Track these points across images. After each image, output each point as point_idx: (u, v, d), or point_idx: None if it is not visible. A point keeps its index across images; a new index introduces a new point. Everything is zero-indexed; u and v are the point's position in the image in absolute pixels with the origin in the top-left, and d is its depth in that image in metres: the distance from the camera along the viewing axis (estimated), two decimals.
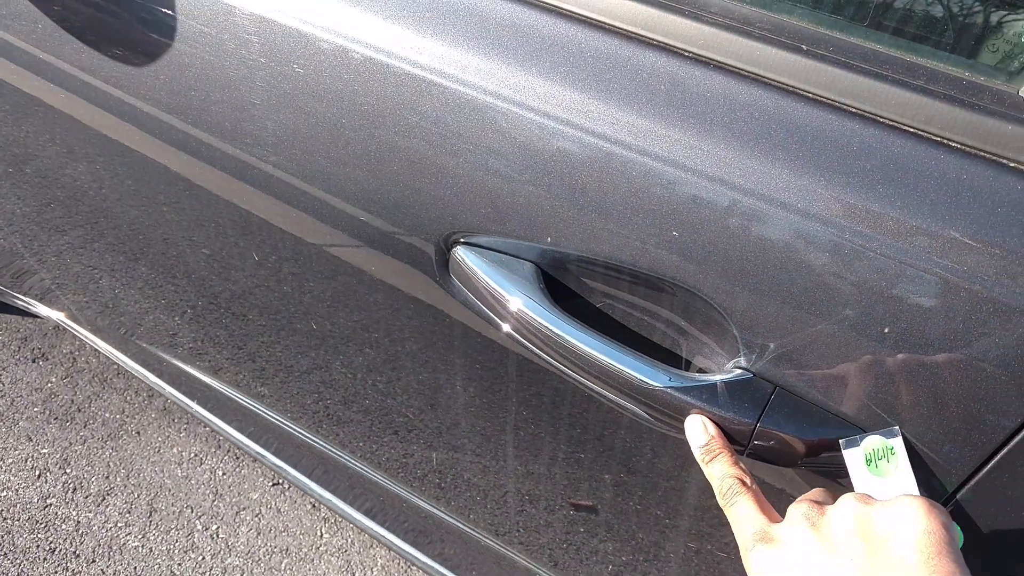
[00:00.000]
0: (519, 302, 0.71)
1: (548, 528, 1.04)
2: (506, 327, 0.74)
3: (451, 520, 1.18)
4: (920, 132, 0.58)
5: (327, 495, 1.40)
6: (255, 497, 1.73)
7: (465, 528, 1.16)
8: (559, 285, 0.73)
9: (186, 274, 1.17)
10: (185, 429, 1.84)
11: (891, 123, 0.59)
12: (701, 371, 0.69)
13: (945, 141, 0.58)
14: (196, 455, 1.79)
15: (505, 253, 0.73)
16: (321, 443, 1.27)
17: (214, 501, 1.71)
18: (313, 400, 1.20)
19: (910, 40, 0.61)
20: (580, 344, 0.69)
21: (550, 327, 0.70)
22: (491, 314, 0.75)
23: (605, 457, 0.85)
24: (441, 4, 0.72)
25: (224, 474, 1.76)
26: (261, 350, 1.19)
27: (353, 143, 0.76)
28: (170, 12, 0.87)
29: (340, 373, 1.08)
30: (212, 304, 1.19)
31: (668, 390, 0.65)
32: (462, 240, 0.75)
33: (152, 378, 1.55)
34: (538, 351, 0.73)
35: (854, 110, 0.60)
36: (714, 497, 0.67)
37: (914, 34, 0.61)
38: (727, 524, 0.64)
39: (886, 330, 0.58)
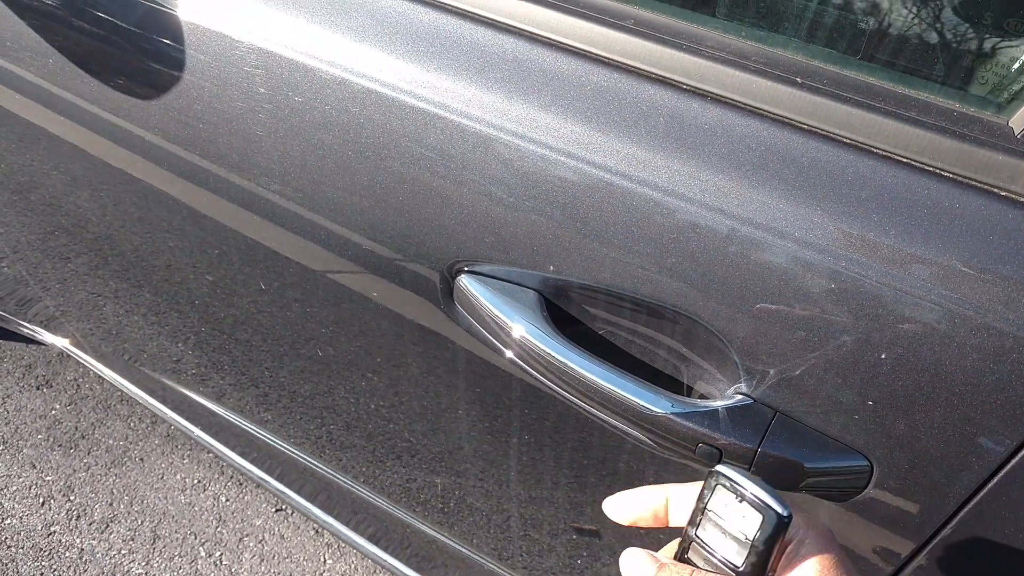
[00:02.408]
0: (522, 329, 0.72)
1: (551, 552, 1.05)
2: (510, 354, 0.76)
3: (454, 545, 1.18)
4: (913, 162, 0.60)
5: (330, 520, 1.40)
6: (259, 523, 1.73)
7: (469, 553, 1.17)
8: (562, 312, 0.74)
9: (190, 301, 1.18)
10: (188, 456, 1.84)
11: (885, 153, 0.60)
12: (703, 397, 0.70)
13: (938, 170, 0.59)
14: (199, 481, 1.79)
15: (508, 281, 0.74)
16: (324, 468, 1.28)
17: (218, 527, 1.71)
18: (316, 425, 1.21)
19: (902, 73, 0.63)
20: (583, 371, 0.70)
21: (553, 354, 0.71)
22: (495, 341, 0.76)
23: (608, 481, 0.86)
24: (446, 40, 0.74)
25: (227, 500, 1.76)
26: (264, 376, 1.20)
27: (360, 174, 0.78)
28: (175, 44, 0.88)
29: (343, 398, 1.09)
30: (216, 330, 1.20)
31: (671, 416, 0.66)
32: (466, 268, 0.76)
33: (156, 404, 1.55)
34: (542, 377, 0.74)
35: (848, 141, 0.61)
36: None
37: (906, 67, 0.63)
38: None
39: (883, 356, 0.59)
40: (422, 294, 0.82)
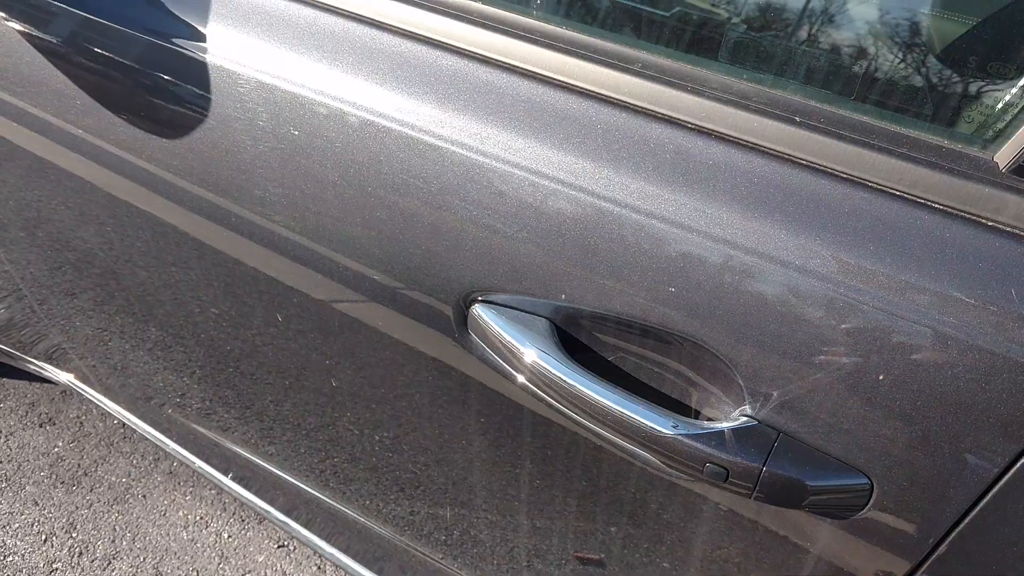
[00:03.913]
0: (535, 355, 0.75)
1: None
2: (523, 380, 0.78)
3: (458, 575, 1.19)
4: (905, 195, 0.64)
5: (335, 552, 1.40)
6: (260, 560, 1.73)
7: None
8: (573, 339, 0.78)
9: (195, 334, 1.20)
10: (191, 492, 1.85)
11: (878, 187, 0.64)
12: (709, 419, 0.73)
13: (928, 203, 0.63)
14: (202, 518, 1.80)
15: (521, 310, 0.78)
16: (329, 500, 1.29)
17: (220, 564, 1.72)
18: (321, 458, 1.22)
19: (893, 112, 0.67)
20: (594, 395, 0.73)
21: (565, 379, 0.74)
22: (508, 368, 0.79)
23: (612, 510, 0.88)
24: (464, 83, 0.78)
25: (230, 537, 1.77)
26: (269, 408, 1.21)
27: (379, 210, 0.81)
28: (176, 79, 0.92)
29: (347, 430, 1.11)
30: (221, 364, 1.21)
31: (679, 437, 0.69)
32: (480, 298, 0.80)
33: (161, 438, 1.56)
34: (554, 403, 0.77)
35: (844, 175, 0.65)
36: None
37: (897, 107, 0.67)
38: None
39: (880, 377, 0.63)
40: (435, 324, 0.85)
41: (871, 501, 0.67)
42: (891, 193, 0.64)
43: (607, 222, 0.71)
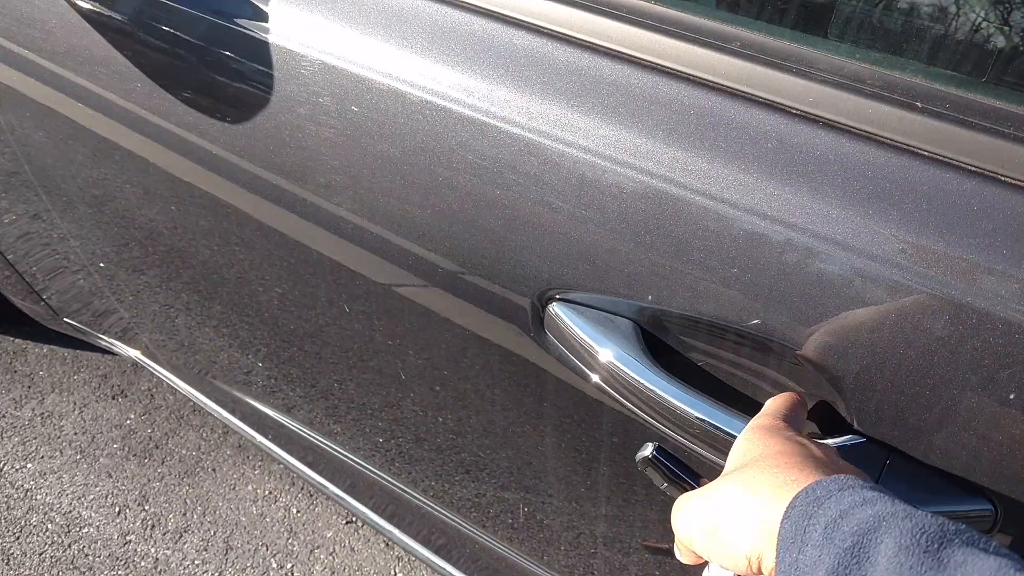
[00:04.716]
0: (619, 359, 0.70)
1: (623, 572, 1.03)
2: (604, 384, 0.73)
3: (524, 561, 1.17)
4: None
5: (398, 533, 1.40)
6: (329, 535, 1.73)
7: (538, 570, 1.15)
8: (659, 343, 0.72)
9: (259, 313, 1.19)
10: (260, 466, 1.86)
11: (1014, 182, 0.57)
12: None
13: None
14: (271, 492, 1.81)
15: (603, 310, 0.72)
16: (393, 481, 1.28)
17: (289, 539, 1.72)
18: (386, 438, 1.20)
19: None
20: (682, 404, 0.67)
21: (650, 386, 0.69)
22: (588, 371, 0.74)
23: None
24: (544, 64, 0.72)
25: (298, 512, 1.77)
26: (334, 388, 1.20)
27: (451, 200, 0.77)
28: (238, 59, 0.89)
29: (412, 411, 1.08)
30: (285, 342, 1.20)
31: None
32: (559, 296, 0.74)
33: (226, 415, 1.57)
34: (638, 411, 0.72)
35: (974, 169, 0.58)
36: None
37: None
38: None
39: (1011, 396, 0.56)
40: (511, 320, 0.81)
41: (994, 529, 0.61)
42: None
43: (700, 217, 0.65)
